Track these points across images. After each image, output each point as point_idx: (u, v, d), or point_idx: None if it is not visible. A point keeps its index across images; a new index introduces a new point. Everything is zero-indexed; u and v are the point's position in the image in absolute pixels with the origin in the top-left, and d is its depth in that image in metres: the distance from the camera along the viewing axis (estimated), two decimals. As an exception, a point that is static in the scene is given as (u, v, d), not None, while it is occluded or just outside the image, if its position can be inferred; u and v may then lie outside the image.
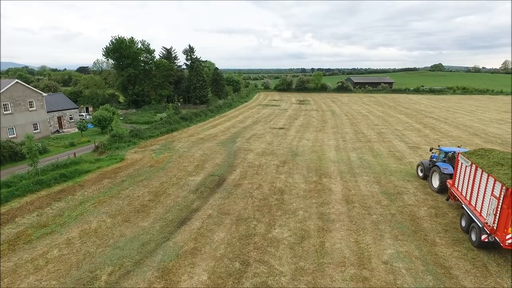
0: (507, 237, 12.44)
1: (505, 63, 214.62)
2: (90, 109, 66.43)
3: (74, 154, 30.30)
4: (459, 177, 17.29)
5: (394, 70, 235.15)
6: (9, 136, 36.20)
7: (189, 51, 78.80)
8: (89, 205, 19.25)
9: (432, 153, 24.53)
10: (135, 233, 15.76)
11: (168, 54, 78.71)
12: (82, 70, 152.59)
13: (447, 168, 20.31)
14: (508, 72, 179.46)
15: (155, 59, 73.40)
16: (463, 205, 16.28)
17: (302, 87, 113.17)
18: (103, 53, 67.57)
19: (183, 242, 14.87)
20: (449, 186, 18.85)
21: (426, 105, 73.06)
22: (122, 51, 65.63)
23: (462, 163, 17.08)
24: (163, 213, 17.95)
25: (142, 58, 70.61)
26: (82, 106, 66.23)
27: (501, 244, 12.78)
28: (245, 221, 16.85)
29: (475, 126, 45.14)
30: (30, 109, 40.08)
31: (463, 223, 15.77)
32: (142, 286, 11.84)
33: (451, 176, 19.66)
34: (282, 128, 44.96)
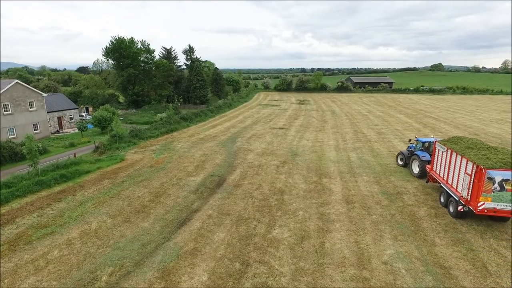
0: (479, 204, 15.37)
1: (505, 62, 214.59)
2: (90, 109, 66.44)
3: (74, 154, 30.33)
4: (437, 162, 20.45)
5: (394, 70, 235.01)
6: (9, 137, 36.23)
7: (189, 51, 78.82)
8: (89, 205, 19.27)
9: (410, 143, 27.39)
10: (135, 234, 15.78)
11: (168, 54, 78.75)
12: (82, 70, 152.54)
13: (425, 156, 23.51)
14: (508, 71, 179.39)
15: (155, 59, 73.42)
16: (441, 185, 19.25)
17: (302, 87, 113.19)
18: (103, 53, 67.63)
19: (183, 242, 14.89)
20: (428, 170, 21.88)
21: (426, 105, 73.09)
22: (122, 51, 65.65)
23: (439, 149, 20.23)
24: (163, 214, 17.97)
25: (142, 58, 70.62)
26: (82, 106, 66.24)
27: (474, 211, 15.64)
28: (245, 221, 16.87)
29: (474, 126, 45.17)
30: (30, 109, 40.09)
31: (442, 199, 18.82)
32: (143, 287, 11.86)
33: (429, 162, 22.74)
34: (282, 128, 44.98)
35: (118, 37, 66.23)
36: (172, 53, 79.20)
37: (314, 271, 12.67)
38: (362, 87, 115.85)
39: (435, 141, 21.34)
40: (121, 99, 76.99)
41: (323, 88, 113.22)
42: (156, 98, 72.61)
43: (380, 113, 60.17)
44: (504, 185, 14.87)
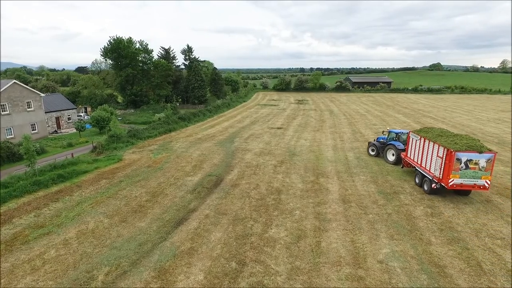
0: (449, 181, 18.61)
1: (503, 62, 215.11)
2: (89, 109, 66.36)
3: (72, 154, 30.33)
4: (411, 149, 23.63)
5: (393, 70, 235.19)
6: (7, 137, 36.20)
7: (188, 51, 78.81)
8: (86, 205, 19.29)
9: (383, 134, 30.77)
10: (132, 234, 15.81)
11: (167, 54, 78.67)
12: (81, 70, 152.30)
13: (400, 145, 26.93)
14: (507, 71, 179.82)
15: (153, 59, 73.35)
16: (416, 168, 22.53)
17: (301, 87, 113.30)
18: (101, 53, 67.54)
19: (180, 242, 14.93)
20: (403, 157, 25.09)
21: (424, 104, 73.24)
22: (120, 51, 65.56)
23: (412, 138, 23.46)
24: (160, 213, 18.00)
25: (140, 58, 70.52)
26: (80, 106, 66.15)
27: (446, 187, 19.00)
28: (242, 221, 16.92)
29: (472, 125, 45.31)
30: (28, 109, 40.05)
31: (417, 180, 22.11)
32: (139, 286, 11.90)
33: (403, 150, 26.05)
34: (280, 128, 45.03)
35: (116, 37, 66.16)
36: (171, 53, 79.13)
37: (309, 270, 12.72)
38: (360, 86, 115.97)
39: (409, 131, 24.56)
40: (120, 99, 76.90)
41: (321, 88, 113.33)
42: (154, 98, 72.58)
43: (378, 112, 60.28)
44: (468, 164, 18.31)
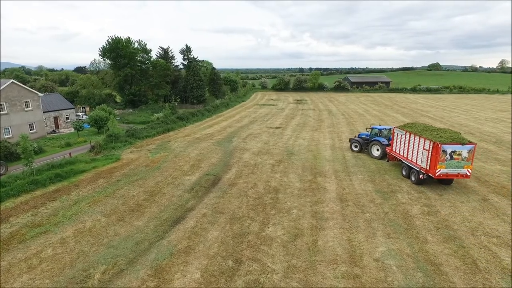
0: (437, 171, 20.16)
1: (501, 62, 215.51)
2: (87, 109, 66.27)
3: (70, 154, 30.30)
4: (397, 144, 25.05)
5: (392, 70, 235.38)
6: (5, 136, 36.14)
7: (186, 50, 78.78)
8: (84, 204, 19.29)
9: (367, 131, 31.96)
10: (129, 232, 15.83)
11: (165, 54, 78.65)
12: (80, 70, 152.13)
13: (384, 140, 28.31)
14: (505, 71, 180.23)
15: (152, 59, 73.33)
16: (402, 161, 24.07)
17: (300, 87, 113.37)
18: (100, 53, 67.48)
19: (177, 240, 14.96)
20: (388, 151, 26.64)
21: (423, 104, 73.38)
22: (118, 51, 65.51)
23: (397, 133, 24.90)
24: (157, 212, 18.02)
25: (138, 58, 70.49)
26: (78, 106, 66.05)
27: (433, 177, 20.58)
28: (239, 220, 16.95)
29: (470, 125, 45.43)
30: (26, 109, 40.00)
31: (404, 172, 23.60)
32: (135, 285, 11.92)
33: (387, 145, 27.57)
34: (279, 128, 45.07)
35: (115, 37, 66.13)
36: (169, 52, 79.12)
37: (306, 268, 12.76)
38: (359, 86, 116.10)
39: (394, 127, 26.10)
40: (118, 99, 76.83)
41: (320, 88, 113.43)
42: (153, 98, 72.54)
43: (376, 112, 60.37)
44: (453, 155, 19.94)
